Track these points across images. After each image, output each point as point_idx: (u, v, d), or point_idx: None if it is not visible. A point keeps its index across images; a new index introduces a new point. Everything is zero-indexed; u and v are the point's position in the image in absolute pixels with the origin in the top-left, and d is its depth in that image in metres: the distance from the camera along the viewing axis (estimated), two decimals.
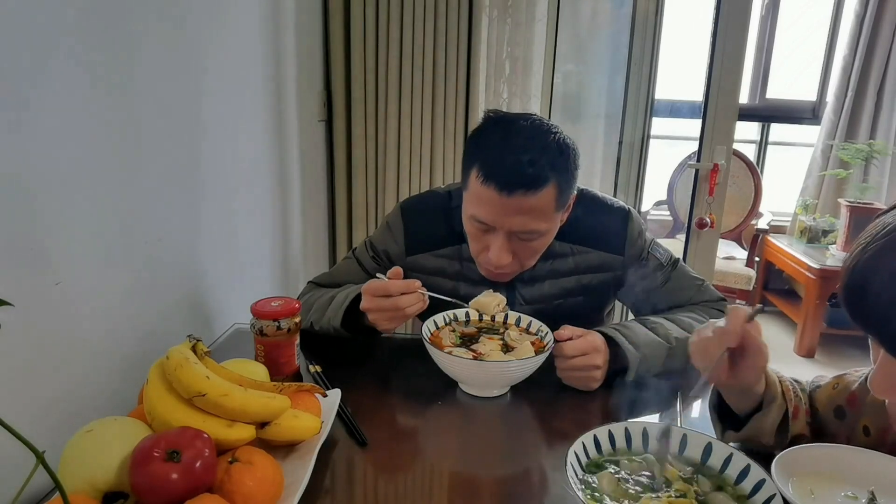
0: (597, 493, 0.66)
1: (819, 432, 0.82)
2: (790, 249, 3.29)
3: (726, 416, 0.82)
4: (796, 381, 0.87)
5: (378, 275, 0.99)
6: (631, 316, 1.25)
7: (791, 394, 0.80)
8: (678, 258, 1.18)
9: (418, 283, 0.98)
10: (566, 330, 0.98)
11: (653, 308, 1.15)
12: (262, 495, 0.66)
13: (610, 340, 0.99)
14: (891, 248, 0.49)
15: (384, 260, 1.19)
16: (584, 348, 0.96)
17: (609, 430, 0.74)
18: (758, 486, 0.67)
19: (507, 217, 0.97)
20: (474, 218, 1.00)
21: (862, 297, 0.51)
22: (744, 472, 0.69)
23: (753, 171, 3.35)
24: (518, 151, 0.95)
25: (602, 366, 0.97)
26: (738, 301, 3.06)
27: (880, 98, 3.35)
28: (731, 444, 0.75)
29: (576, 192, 1.08)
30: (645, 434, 0.75)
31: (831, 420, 0.81)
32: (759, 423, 0.77)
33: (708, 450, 0.73)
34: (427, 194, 1.24)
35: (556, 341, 0.97)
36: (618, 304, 1.35)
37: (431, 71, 2.05)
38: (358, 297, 1.02)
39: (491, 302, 1.06)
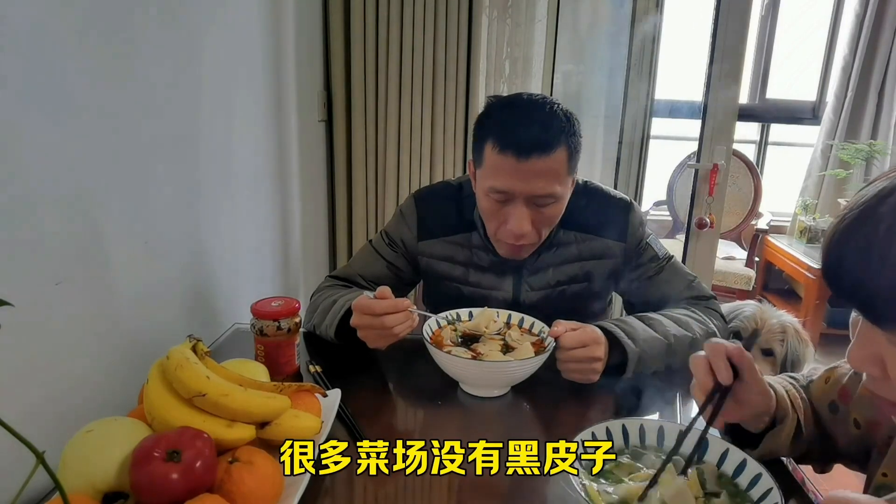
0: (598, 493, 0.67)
1: (818, 429, 0.82)
2: (790, 249, 3.29)
3: (739, 434, 0.81)
4: (791, 377, 0.87)
5: (366, 293, 0.99)
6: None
7: (799, 401, 0.80)
8: (673, 256, 1.21)
9: (407, 302, 0.97)
10: (559, 325, 0.98)
11: (643, 298, 1.18)
12: (262, 495, 0.66)
13: (609, 335, 0.99)
14: (865, 216, 0.50)
15: (400, 246, 1.22)
16: (583, 340, 0.96)
17: (606, 428, 0.75)
18: (754, 481, 0.68)
19: (526, 182, 1.00)
20: (493, 190, 1.02)
21: (839, 266, 0.52)
22: (740, 467, 0.70)
23: (753, 171, 3.35)
24: (530, 119, 1.00)
25: (602, 357, 0.97)
26: (737, 301, 3.05)
27: (880, 98, 3.35)
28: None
29: (578, 180, 1.13)
30: (642, 431, 0.76)
31: (826, 415, 0.81)
32: (774, 440, 0.77)
33: (704, 446, 0.73)
34: (439, 185, 1.28)
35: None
36: (617, 298, 1.37)
37: (431, 71, 2.05)
38: (350, 310, 1.02)
39: (482, 323, 1.05)
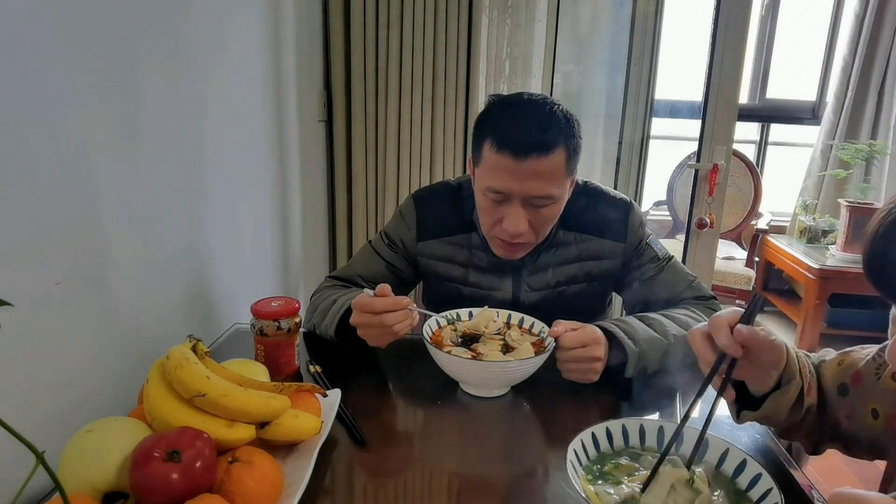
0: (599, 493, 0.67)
1: (821, 407, 0.82)
2: (790, 249, 3.29)
3: (741, 396, 0.81)
4: (806, 354, 0.87)
5: (366, 290, 0.99)
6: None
7: (807, 370, 0.80)
8: (673, 256, 1.21)
9: (407, 300, 0.97)
10: (559, 325, 0.98)
11: (643, 298, 1.17)
12: (262, 495, 0.66)
13: (608, 335, 1.00)
14: None
15: (399, 247, 1.22)
16: (583, 340, 0.96)
17: (607, 427, 0.75)
18: (754, 481, 0.67)
19: (523, 182, 0.99)
20: (490, 189, 1.02)
21: (883, 262, 0.51)
22: (740, 467, 0.70)
23: (753, 171, 3.35)
24: (528, 119, 0.99)
25: (602, 357, 0.97)
26: (738, 301, 3.06)
27: (880, 98, 3.35)
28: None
29: (578, 180, 1.13)
30: (642, 431, 0.76)
31: (834, 396, 0.81)
32: (777, 402, 0.76)
33: (705, 445, 0.73)
34: (438, 185, 1.27)
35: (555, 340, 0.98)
36: (617, 299, 1.37)
37: (431, 71, 2.05)
38: (350, 309, 1.02)
39: (481, 323, 1.06)
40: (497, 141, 0.99)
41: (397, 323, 0.96)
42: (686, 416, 0.70)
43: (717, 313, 0.72)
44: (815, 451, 0.86)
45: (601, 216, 1.16)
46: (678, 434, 0.70)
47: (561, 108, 1.03)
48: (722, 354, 0.70)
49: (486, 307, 1.08)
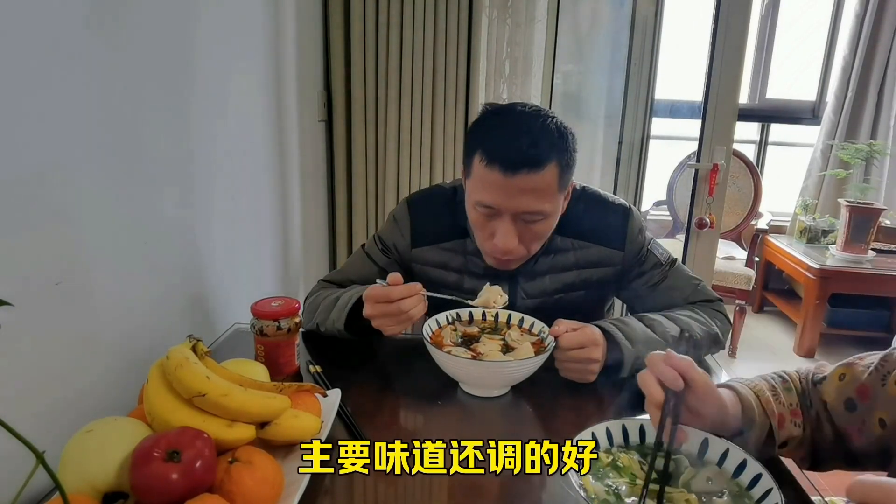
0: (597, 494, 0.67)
1: (819, 427, 0.81)
2: (790, 249, 3.29)
3: None
4: (782, 376, 0.85)
5: (378, 280, 0.99)
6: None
7: (773, 405, 0.79)
8: (676, 258, 1.19)
9: (419, 285, 0.98)
10: (560, 325, 0.98)
11: (648, 305, 1.16)
12: (262, 495, 0.66)
13: (607, 335, 0.99)
14: None
15: (393, 252, 1.21)
16: (582, 341, 0.96)
17: (607, 427, 0.75)
18: (755, 481, 0.67)
19: (513, 198, 0.98)
20: (480, 203, 1.01)
21: None
22: (741, 467, 0.70)
23: (753, 171, 3.35)
24: (519, 133, 0.97)
25: (600, 359, 0.97)
26: (738, 301, 3.06)
27: (880, 98, 3.35)
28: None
29: (576, 185, 1.11)
30: (642, 431, 0.76)
31: (842, 413, 0.80)
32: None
33: (705, 445, 0.73)
34: (432, 189, 1.25)
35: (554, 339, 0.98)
36: (617, 301, 1.36)
37: (431, 71, 2.05)
38: (360, 301, 1.02)
39: (490, 298, 1.06)
40: (487, 155, 0.97)
41: (413, 308, 0.96)
42: (657, 446, 0.71)
43: (658, 351, 0.75)
44: (814, 469, 0.84)
45: (599, 223, 1.14)
46: (653, 462, 0.70)
47: (555, 120, 1.00)
48: (668, 398, 0.72)
49: (487, 284, 1.07)
